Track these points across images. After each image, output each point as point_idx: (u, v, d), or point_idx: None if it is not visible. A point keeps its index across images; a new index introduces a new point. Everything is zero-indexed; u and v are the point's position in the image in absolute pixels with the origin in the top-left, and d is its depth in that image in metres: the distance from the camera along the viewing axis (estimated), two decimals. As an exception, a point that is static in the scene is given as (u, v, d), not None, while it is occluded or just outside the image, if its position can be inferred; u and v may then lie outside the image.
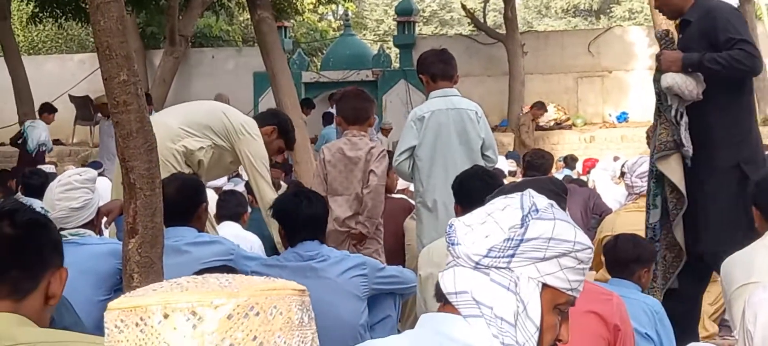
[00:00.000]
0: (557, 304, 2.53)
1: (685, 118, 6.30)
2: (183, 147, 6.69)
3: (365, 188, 7.56)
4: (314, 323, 1.81)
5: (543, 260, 2.47)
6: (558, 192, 3.83)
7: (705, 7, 6.38)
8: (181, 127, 6.76)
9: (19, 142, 17.39)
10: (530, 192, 2.56)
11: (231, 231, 7.50)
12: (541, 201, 2.53)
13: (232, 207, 8.29)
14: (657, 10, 6.91)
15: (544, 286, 2.49)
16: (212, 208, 8.26)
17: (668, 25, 9.34)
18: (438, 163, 7.28)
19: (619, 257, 5.71)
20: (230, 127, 6.88)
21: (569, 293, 2.54)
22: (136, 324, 1.68)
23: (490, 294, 2.45)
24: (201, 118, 6.93)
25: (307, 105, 19.34)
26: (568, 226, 2.51)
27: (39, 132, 17.08)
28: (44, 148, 17.20)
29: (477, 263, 2.47)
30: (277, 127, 7.22)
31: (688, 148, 6.28)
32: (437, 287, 2.54)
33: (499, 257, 2.45)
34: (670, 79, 6.27)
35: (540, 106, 22.77)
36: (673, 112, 6.33)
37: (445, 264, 2.58)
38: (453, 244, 2.51)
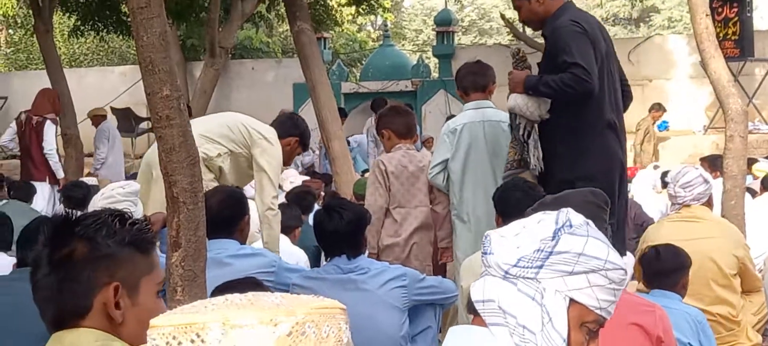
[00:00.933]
0: (585, 322, 2.53)
1: (534, 136, 6.39)
2: (204, 153, 6.78)
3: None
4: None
5: (571, 274, 2.48)
6: (599, 203, 3.82)
7: (554, 23, 6.41)
8: (201, 134, 6.87)
9: None
10: (569, 210, 2.57)
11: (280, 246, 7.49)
12: (577, 218, 2.55)
13: (285, 220, 8.29)
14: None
15: (572, 301, 2.50)
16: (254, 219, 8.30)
17: (709, 35, 9.28)
18: (469, 175, 7.27)
19: (664, 268, 5.72)
20: (246, 132, 7.11)
21: (598, 312, 2.53)
22: (192, 341, 1.67)
23: (515, 303, 2.47)
24: (217, 127, 7.17)
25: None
26: (602, 244, 2.52)
27: None
28: None
29: (506, 273, 2.49)
30: (299, 138, 7.51)
31: (535, 167, 6.38)
32: (469, 298, 2.57)
33: (527, 268, 2.48)
34: (513, 100, 6.41)
35: (658, 108, 22.30)
36: (520, 131, 6.44)
37: None
38: (486, 253, 2.54)
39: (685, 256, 5.89)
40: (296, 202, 9.79)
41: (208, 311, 1.71)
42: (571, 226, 2.51)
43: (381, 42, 30.84)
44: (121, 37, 25.26)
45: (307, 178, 14.22)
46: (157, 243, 6.16)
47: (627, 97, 6.81)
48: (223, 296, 1.79)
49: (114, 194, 5.52)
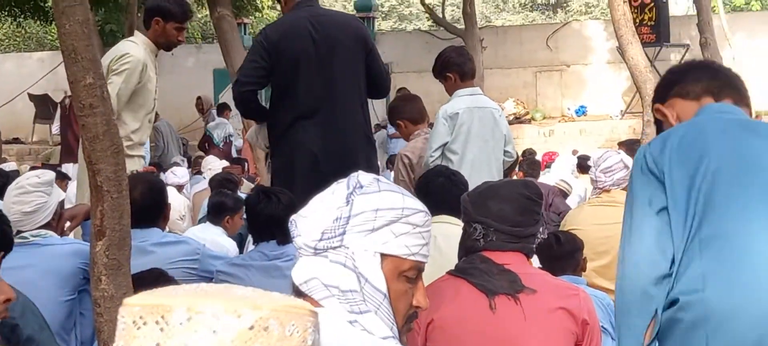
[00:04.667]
0: (402, 271, 2.60)
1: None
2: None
3: None
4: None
5: (373, 231, 2.55)
6: (531, 196, 3.87)
7: None
8: None
9: (207, 145, 18.39)
10: (359, 173, 2.66)
11: (209, 235, 7.45)
12: (366, 178, 2.62)
13: (220, 210, 8.21)
14: None
15: (383, 256, 2.57)
16: (176, 207, 8.26)
17: (626, 21, 9.42)
18: (467, 158, 7.36)
19: (566, 251, 5.94)
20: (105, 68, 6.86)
21: (412, 258, 2.61)
22: (157, 322, 1.69)
23: (332, 274, 2.54)
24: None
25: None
26: (396, 194, 2.60)
27: (222, 127, 18.35)
28: (231, 139, 18.52)
29: (315, 249, 2.56)
30: (157, 16, 7.20)
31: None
32: (292, 284, 2.62)
33: (331, 238, 2.54)
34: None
35: None
36: None
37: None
38: (294, 237, 2.61)
39: (579, 238, 6.11)
40: (218, 189, 9.75)
41: (177, 295, 1.73)
42: (361, 186, 2.59)
43: (301, 27, 30.72)
44: (38, 22, 24.95)
45: (226, 163, 14.21)
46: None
47: (379, 86, 7.11)
48: (196, 285, 1.82)
49: (25, 185, 5.41)
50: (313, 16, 6.77)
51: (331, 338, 2.50)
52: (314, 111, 6.65)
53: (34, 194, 5.38)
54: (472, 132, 7.38)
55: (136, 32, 7.29)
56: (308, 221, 2.58)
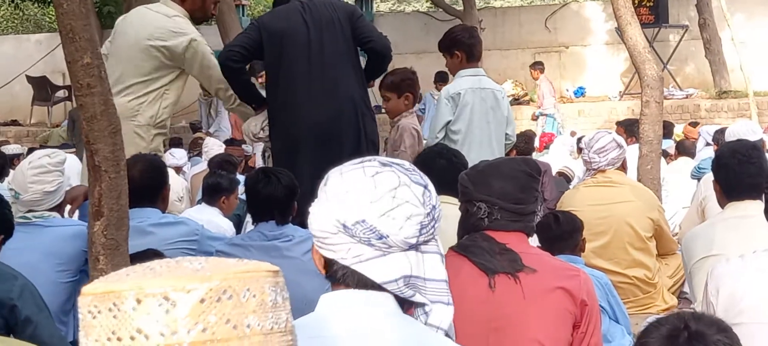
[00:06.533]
0: None
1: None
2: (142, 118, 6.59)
3: None
4: (288, 303, 1.80)
5: (440, 215, 2.57)
6: (530, 172, 3.87)
7: None
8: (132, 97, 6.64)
9: None
10: (398, 162, 2.60)
11: (205, 216, 7.42)
12: (407, 164, 2.60)
13: (215, 190, 8.10)
14: None
15: None
16: (175, 188, 8.24)
17: (625, 1, 9.40)
18: (469, 138, 7.39)
19: (565, 231, 5.95)
20: (177, 52, 6.61)
21: None
22: (110, 309, 1.67)
23: (423, 266, 2.53)
24: (143, 63, 6.62)
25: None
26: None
27: None
28: None
29: (413, 245, 2.51)
30: None
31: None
32: (354, 275, 2.56)
33: (429, 231, 2.52)
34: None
35: None
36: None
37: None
38: (381, 237, 2.47)
39: (578, 218, 6.11)
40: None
41: (126, 279, 1.71)
42: (422, 176, 2.57)
43: (299, 9, 30.66)
44: (36, 4, 24.92)
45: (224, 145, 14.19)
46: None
47: (373, 59, 7.15)
48: (146, 263, 1.78)
49: (45, 164, 5.43)
50: (305, 1, 6.86)
51: (406, 333, 2.49)
52: (310, 93, 6.69)
53: (53, 173, 5.43)
54: (475, 112, 7.39)
55: (164, 3, 6.74)
56: (394, 220, 2.47)
